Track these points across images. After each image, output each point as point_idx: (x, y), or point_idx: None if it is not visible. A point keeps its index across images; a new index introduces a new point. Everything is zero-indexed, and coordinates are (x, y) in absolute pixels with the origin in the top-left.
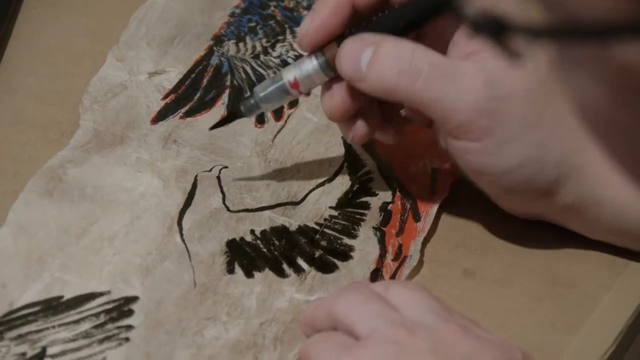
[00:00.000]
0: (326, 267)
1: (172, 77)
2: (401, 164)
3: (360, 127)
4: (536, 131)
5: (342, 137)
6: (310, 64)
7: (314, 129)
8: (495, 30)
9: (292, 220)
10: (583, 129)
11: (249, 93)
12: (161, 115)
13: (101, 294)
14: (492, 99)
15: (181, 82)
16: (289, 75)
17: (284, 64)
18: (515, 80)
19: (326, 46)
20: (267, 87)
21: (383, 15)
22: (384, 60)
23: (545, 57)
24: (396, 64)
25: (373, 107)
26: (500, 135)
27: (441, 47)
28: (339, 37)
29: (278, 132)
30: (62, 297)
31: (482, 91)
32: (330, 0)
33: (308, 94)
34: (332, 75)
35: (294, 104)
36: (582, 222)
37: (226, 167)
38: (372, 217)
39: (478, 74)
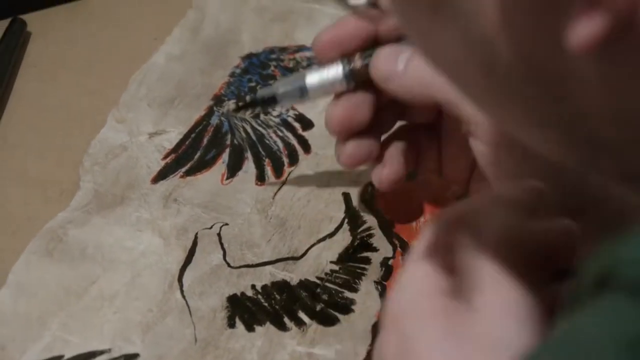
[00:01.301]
0: (327, 320)
1: (173, 137)
2: (401, 220)
3: (353, 147)
4: None
5: (343, 194)
6: (335, 70)
7: (314, 186)
8: None
9: (293, 274)
10: None
11: (247, 154)
12: (161, 175)
13: (102, 352)
14: None
15: (181, 142)
16: (312, 75)
17: (284, 123)
18: None
19: (351, 56)
20: (287, 83)
21: None
22: (420, 61)
23: None
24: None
25: (372, 137)
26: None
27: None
28: (363, 51)
29: (279, 189)
30: (62, 356)
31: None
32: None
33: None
34: (352, 85)
35: (294, 161)
36: None
37: (227, 224)
38: (373, 271)
39: None
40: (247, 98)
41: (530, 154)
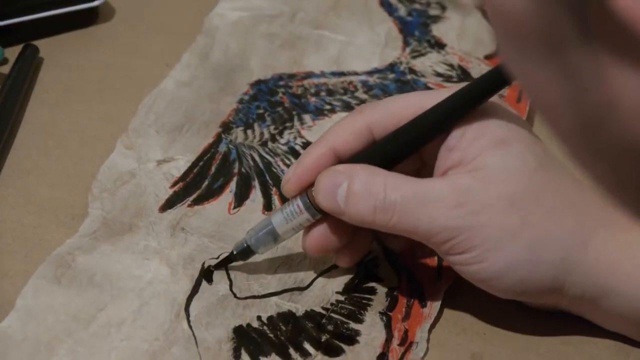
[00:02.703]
0: (333, 351)
1: (181, 164)
2: (407, 250)
3: (344, 257)
4: (522, 235)
5: None
6: (295, 207)
7: (321, 216)
8: None
9: (299, 305)
10: (581, 223)
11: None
12: (169, 204)
13: None
14: (468, 214)
15: (189, 170)
16: (277, 219)
17: (292, 151)
18: (492, 191)
19: (309, 189)
20: (257, 232)
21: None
22: (358, 198)
23: (534, 157)
24: (370, 201)
25: (360, 237)
26: (482, 245)
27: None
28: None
29: None
30: None
31: (455, 212)
32: (314, 150)
33: None
34: (318, 216)
35: None
36: (598, 313)
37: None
38: (379, 302)
39: (451, 193)
40: (223, 256)
41: None
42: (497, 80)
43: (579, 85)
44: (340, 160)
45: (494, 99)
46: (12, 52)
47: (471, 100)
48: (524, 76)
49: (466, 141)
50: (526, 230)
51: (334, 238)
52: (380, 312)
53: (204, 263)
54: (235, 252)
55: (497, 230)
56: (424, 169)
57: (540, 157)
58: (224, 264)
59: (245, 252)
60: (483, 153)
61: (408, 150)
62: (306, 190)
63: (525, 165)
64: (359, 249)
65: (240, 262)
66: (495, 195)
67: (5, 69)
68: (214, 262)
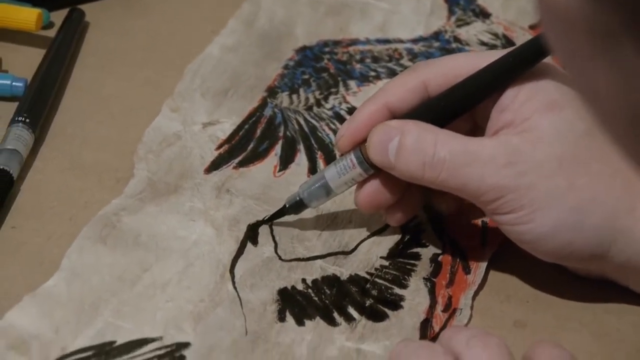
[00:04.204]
0: (377, 316)
1: (226, 127)
2: (455, 212)
3: (395, 215)
4: (569, 197)
5: None
6: (349, 161)
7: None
8: None
9: (343, 269)
10: (627, 190)
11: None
12: (214, 165)
13: (153, 340)
14: (516, 174)
15: (235, 132)
16: (330, 173)
17: (337, 116)
18: (541, 152)
19: (362, 144)
20: (310, 186)
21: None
22: (408, 153)
23: (584, 122)
24: (420, 156)
25: (411, 195)
26: (529, 206)
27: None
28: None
29: None
30: (114, 342)
31: (504, 171)
32: (368, 106)
33: None
34: (371, 172)
35: None
36: None
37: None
38: (423, 267)
39: (501, 153)
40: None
41: None
42: None
43: (630, 79)
44: (394, 116)
45: (547, 60)
46: (59, 16)
47: (525, 61)
48: (573, 68)
49: (518, 102)
50: (573, 194)
51: (386, 194)
52: (424, 278)
53: (249, 225)
54: (287, 206)
55: (544, 191)
56: (476, 131)
57: (590, 122)
58: (276, 217)
59: (297, 205)
60: (534, 115)
61: (462, 107)
62: (359, 145)
63: (575, 130)
64: (410, 208)
65: (292, 217)
66: (544, 157)
67: (52, 33)
68: (258, 223)
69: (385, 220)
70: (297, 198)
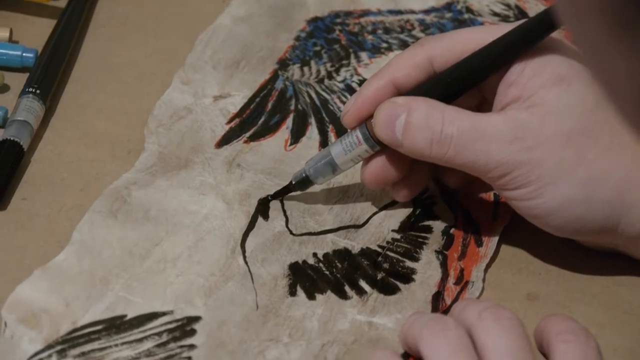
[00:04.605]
0: (388, 289)
1: (237, 101)
2: (464, 189)
3: (401, 191)
4: (578, 172)
5: None
6: (354, 138)
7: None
8: None
9: (355, 243)
10: (637, 164)
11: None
12: (225, 140)
13: (164, 314)
14: (524, 150)
15: (246, 106)
16: (336, 149)
17: (348, 88)
18: (549, 127)
19: (368, 120)
20: (316, 162)
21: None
22: (415, 130)
23: (592, 95)
24: (427, 134)
25: (418, 170)
26: (538, 181)
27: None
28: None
29: None
30: (125, 316)
31: (511, 147)
32: (373, 82)
33: None
34: (377, 148)
35: None
36: None
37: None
38: (435, 240)
39: (508, 128)
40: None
41: None
42: None
43: None
44: (400, 92)
45: (555, 34)
46: None
47: (532, 36)
48: (587, 49)
49: (525, 77)
50: (582, 168)
51: (392, 170)
52: (436, 251)
53: (260, 199)
54: (293, 182)
55: (553, 166)
56: (484, 106)
57: (599, 96)
58: (282, 193)
59: (303, 182)
60: (542, 89)
61: (468, 83)
62: (365, 121)
63: (583, 103)
64: (417, 183)
65: (298, 193)
66: (552, 132)
67: (62, 3)
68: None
69: (392, 195)
70: (303, 175)
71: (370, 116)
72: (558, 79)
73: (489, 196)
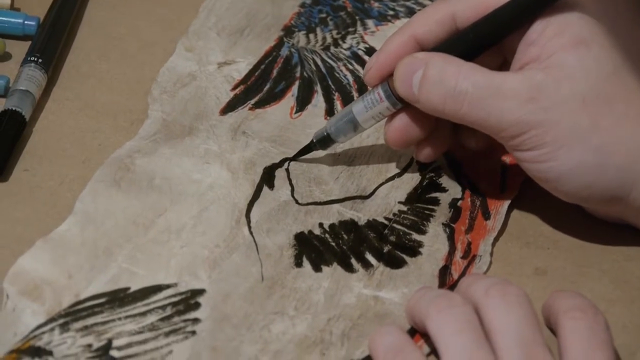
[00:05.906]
0: (395, 263)
1: (242, 67)
2: (471, 160)
3: (424, 151)
4: (592, 137)
5: None
6: (376, 95)
7: (384, 123)
8: None
9: (361, 214)
10: None
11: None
12: (230, 107)
13: (168, 286)
14: (539, 110)
15: (251, 73)
16: (358, 107)
17: (354, 56)
18: (566, 89)
19: (390, 77)
20: (337, 120)
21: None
22: (430, 85)
23: (611, 61)
24: (442, 88)
25: (441, 130)
26: (552, 143)
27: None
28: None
29: None
30: (128, 288)
31: (527, 106)
32: (396, 38)
33: None
34: (398, 105)
35: None
36: None
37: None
38: (442, 213)
39: (524, 88)
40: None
41: None
42: None
43: None
44: (422, 48)
45: None
46: None
47: None
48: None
49: (546, 37)
50: (596, 133)
51: (415, 129)
52: (443, 224)
53: (265, 168)
54: (315, 141)
55: (567, 129)
56: (504, 68)
57: (617, 62)
58: (303, 152)
59: (324, 140)
60: (561, 51)
61: (490, 40)
62: (387, 78)
63: (601, 68)
64: (440, 144)
65: (309, 157)
66: (568, 94)
67: None
68: (275, 167)
69: (415, 156)
70: (325, 133)
71: (392, 73)
72: (578, 41)
73: (496, 168)
